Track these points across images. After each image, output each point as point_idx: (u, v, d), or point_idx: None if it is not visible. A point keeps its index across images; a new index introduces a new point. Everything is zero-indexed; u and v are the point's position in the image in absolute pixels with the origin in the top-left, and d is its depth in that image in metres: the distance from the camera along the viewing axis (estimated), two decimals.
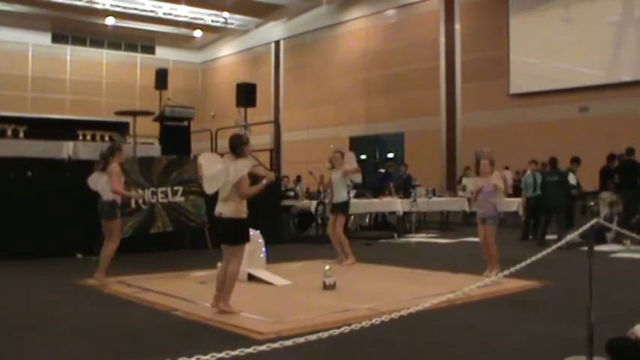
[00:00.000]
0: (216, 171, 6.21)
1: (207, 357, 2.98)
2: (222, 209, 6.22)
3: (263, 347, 3.20)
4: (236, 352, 3.08)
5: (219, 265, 6.61)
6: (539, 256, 4.40)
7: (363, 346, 4.91)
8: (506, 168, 16.88)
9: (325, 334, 3.32)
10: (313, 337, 3.30)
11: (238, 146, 6.29)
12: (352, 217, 15.37)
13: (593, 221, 4.66)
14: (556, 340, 5.13)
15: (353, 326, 3.44)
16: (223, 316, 6.04)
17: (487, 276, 8.57)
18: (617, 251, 11.56)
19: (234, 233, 6.26)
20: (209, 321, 5.91)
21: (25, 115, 16.00)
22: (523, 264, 4.26)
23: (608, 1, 21.32)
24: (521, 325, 5.83)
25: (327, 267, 7.74)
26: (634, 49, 20.48)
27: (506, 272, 4.29)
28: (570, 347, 4.70)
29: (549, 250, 4.48)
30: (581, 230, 4.81)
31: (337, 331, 3.37)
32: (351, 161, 10.68)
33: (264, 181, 6.48)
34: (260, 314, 6.11)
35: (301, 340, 3.27)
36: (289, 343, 3.24)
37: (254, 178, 7.06)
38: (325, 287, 7.54)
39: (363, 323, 3.49)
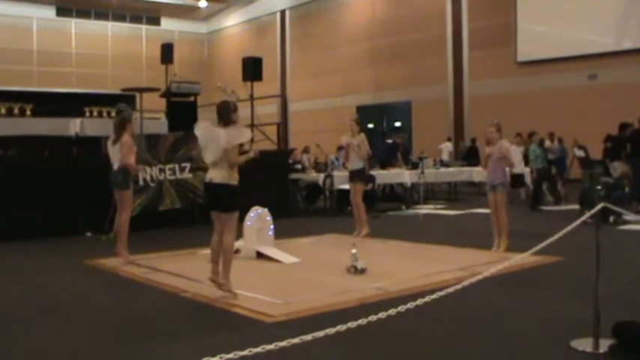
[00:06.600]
0: (207, 136, 6.25)
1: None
2: (213, 175, 6.15)
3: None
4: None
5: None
6: (556, 237, 4.38)
7: (372, 326, 4.92)
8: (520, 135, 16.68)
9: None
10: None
11: (225, 113, 6.20)
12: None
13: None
14: (562, 322, 5.12)
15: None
16: (231, 298, 5.99)
17: (495, 252, 8.53)
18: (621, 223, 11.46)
19: (225, 199, 6.17)
20: (218, 303, 5.87)
21: (32, 89, 16.00)
22: (540, 246, 4.25)
23: None
24: (528, 305, 5.79)
25: (354, 251, 7.25)
26: None
27: (517, 253, 4.28)
28: (577, 329, 4.70)
29: (569, 228, 4.43)
30: (592, 212, 4.75)
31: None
32: (364, 145, 10.52)
33: (251, 154, 6.50)
34: (269, 295, 6.06)
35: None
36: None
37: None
38: (356, 271, 7.12)
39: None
